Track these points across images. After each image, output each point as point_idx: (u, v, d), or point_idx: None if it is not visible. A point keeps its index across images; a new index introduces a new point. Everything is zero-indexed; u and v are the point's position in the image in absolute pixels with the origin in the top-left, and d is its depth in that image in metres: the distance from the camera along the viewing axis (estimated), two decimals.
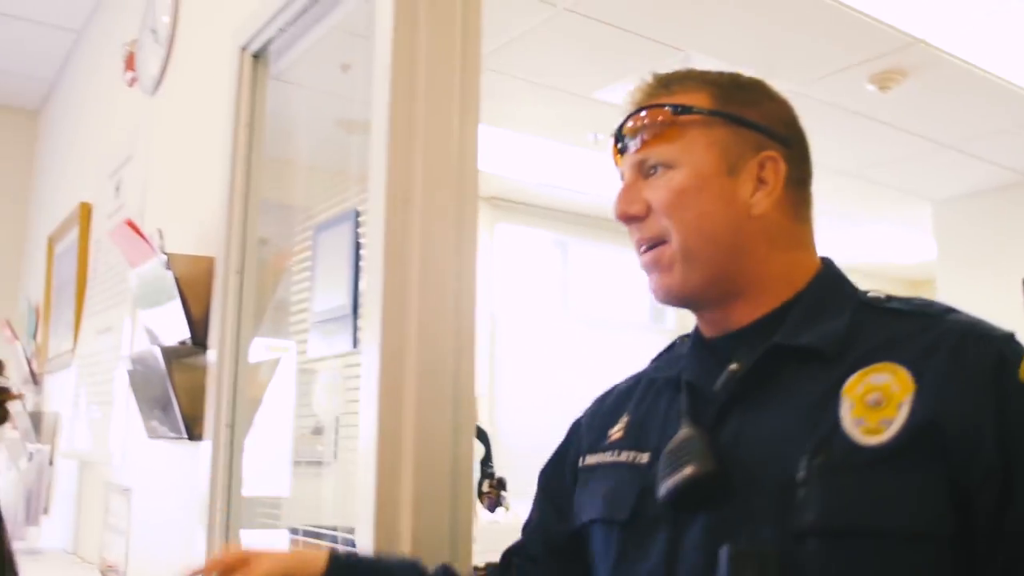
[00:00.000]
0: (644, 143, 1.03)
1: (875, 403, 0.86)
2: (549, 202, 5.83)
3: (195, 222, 2.11)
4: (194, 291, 1.86)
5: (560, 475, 1.15)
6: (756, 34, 3.30)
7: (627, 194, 1.04)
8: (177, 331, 1.96)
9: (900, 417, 0.83)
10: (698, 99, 1.02)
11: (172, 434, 1.94)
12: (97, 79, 3.45)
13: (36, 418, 3.37)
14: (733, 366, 0.97)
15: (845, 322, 0.94)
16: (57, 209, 3.67)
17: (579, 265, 6.19)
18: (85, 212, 3.14)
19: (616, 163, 1.09)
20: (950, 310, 0.93)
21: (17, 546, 2.82)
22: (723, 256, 0.99)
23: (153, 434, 2.07)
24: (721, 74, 1.07)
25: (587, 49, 3.46)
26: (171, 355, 1.85)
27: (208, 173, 2.06)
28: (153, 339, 2.11)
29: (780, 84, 1.07)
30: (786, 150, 1.02)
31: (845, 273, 1.04)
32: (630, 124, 1.05)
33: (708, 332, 1.05)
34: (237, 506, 1.80)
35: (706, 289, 1.01)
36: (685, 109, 1.01)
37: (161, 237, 1.94)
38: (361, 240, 1.42)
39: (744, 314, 1.01)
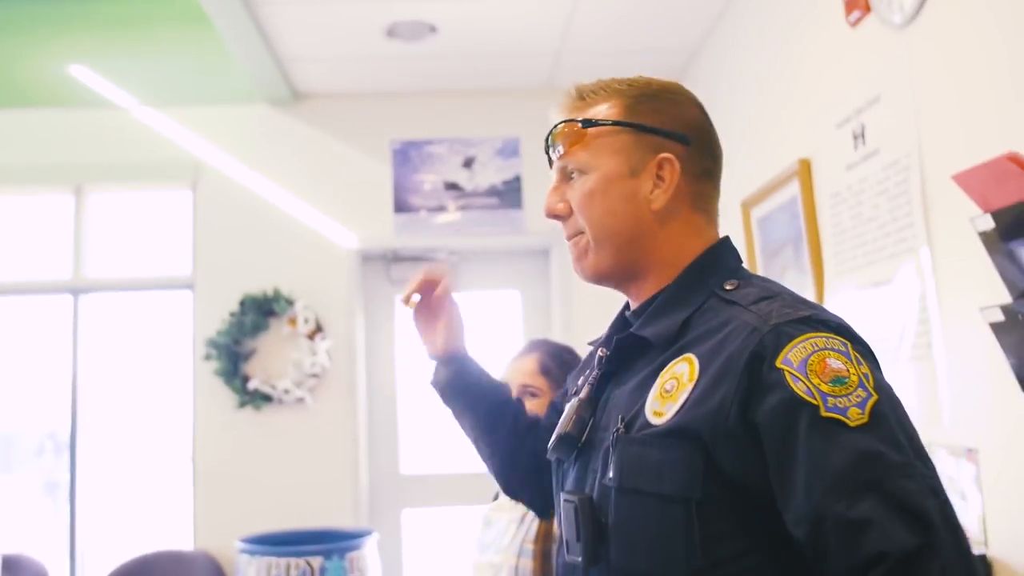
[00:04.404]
0: (563, 152, 1.26)
1: (669, 390, 1.12)
2: None
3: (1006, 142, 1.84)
4: None
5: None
6: None
7: (552, 195, 1.29)
8: None
9: (677, 405, 1.10)
10: (608, 110, 1.24)
11: None
12: (768, 35, 3.38)
13: None
14: (601, 351, 1.29)
15: (685, 316, 1.18)
16: (745, 176, 3.70)
17: None
18: (804, 168, 3.07)
19: (551, 167, 1.32)
20: (762, 298, 1.13)
21: None
22: (625, 245, 1.24)
23: None
24: (633, 83, 1.26)
25: None
26: None
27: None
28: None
29: None
30: (684, 148, 1.23)
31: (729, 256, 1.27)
32: (553, 134, 1.27)
33: (632, 305, 1.31)
34: None
35: (614, 271, 1.27)
36: (591, 123, 1.23)
37: None
38: None
39: (642, 294, 1.28)
